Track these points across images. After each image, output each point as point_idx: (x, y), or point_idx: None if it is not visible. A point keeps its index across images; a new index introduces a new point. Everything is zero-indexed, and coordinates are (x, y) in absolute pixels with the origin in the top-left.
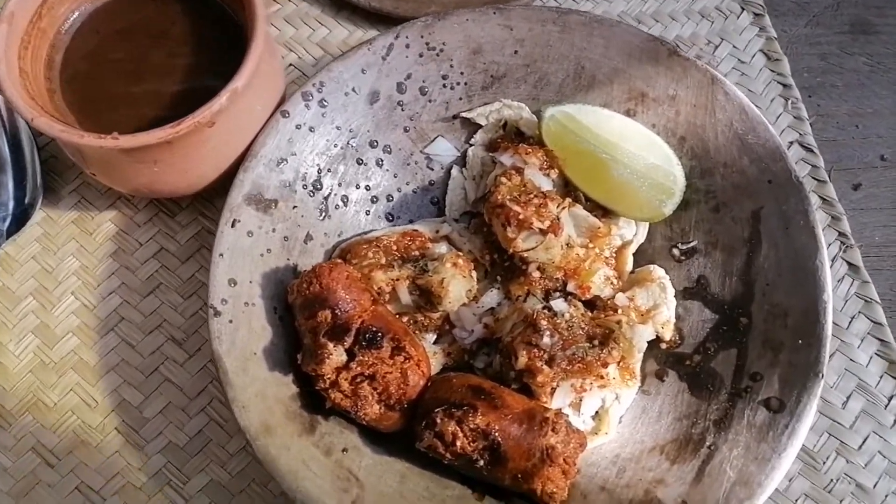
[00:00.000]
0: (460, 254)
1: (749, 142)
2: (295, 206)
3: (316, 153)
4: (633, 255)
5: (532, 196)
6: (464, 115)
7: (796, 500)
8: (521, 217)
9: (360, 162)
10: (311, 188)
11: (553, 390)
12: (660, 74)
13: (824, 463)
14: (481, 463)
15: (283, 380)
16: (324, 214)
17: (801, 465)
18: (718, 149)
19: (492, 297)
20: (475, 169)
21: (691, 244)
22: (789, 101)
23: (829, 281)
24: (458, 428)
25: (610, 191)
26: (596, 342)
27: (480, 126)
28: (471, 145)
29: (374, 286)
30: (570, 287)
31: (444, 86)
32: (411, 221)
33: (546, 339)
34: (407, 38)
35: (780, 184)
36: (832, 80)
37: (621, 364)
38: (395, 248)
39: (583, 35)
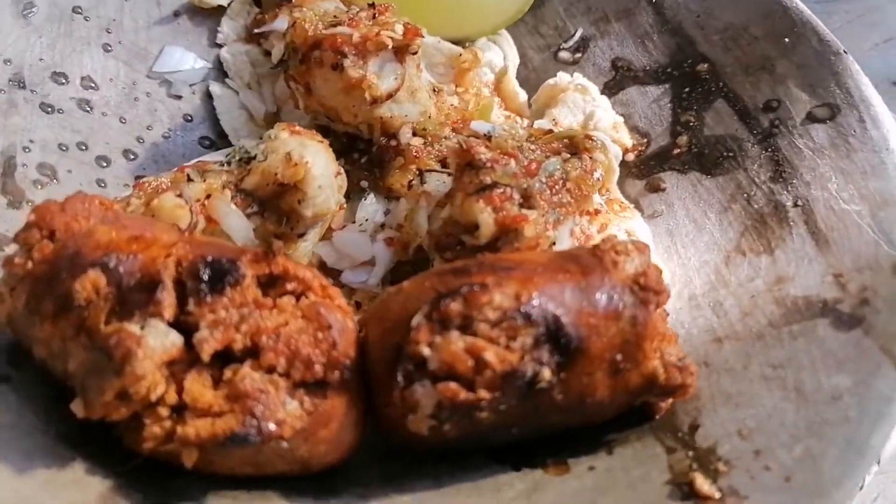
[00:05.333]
0: (294, 124)
1: None
2: None
3: None
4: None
5: (356, 11)
6: None
7: None
8: (356, 39)
9: (47, 109)
10: None
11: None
12: None
13: None
14: (547, 375)
15: None
16: (13, 200)
17: None
18: None
19: (371, 208)
20: (244, 74)
21: (576, 35)
22: None
23: None
24: (470, 339)
25: (449, 4)
26: (566, 154)
27: (222, 11)
28: (220, 46)
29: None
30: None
31: None
32: None
33: (506, 168)
34: None
35: None
36: None
37: (604, 189)
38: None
39: None
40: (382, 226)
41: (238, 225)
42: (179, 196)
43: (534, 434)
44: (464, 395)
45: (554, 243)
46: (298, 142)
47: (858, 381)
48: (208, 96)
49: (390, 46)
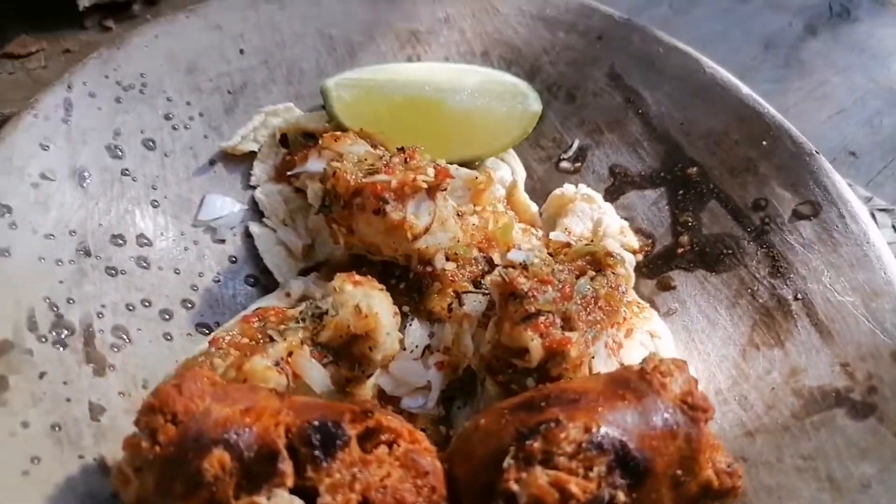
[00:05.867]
0: (353, 273)
1: (551, 16)
2: (44, 374)
3: (30, 284)
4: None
5: (389, 157)
6: (223, 146)
7: None
8: (394, 186)
9: (111, 272)
10: (55, 337)
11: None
12: (419, 4)
13: None
14: (622, 497)
15: None
16: (98, 367)
17: None
18: (528, 42)
19: (417, 333)
20: (279, 211)
21: (574, 146)
22: None
23: (735, 82)
24: (552, 473)
25: (460, 131)
26: (592, 272)
27: (253, 156)
28: (254, 187)
29: (259, 384)
30: (496, 258)
31: (175, 128)
32: None
33: (546, 295)
34: (85, 84)
35: (611, 34)
36: None
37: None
38: (249, 340)
39: (309, 3)
40: (428, 347)
41: (318, 377)
42: (265, 358)
43: None
44: None
45: (593, 357)
46: (363, 293)
47: (882, 468)
48: (248, 236)
49: (425, 188)
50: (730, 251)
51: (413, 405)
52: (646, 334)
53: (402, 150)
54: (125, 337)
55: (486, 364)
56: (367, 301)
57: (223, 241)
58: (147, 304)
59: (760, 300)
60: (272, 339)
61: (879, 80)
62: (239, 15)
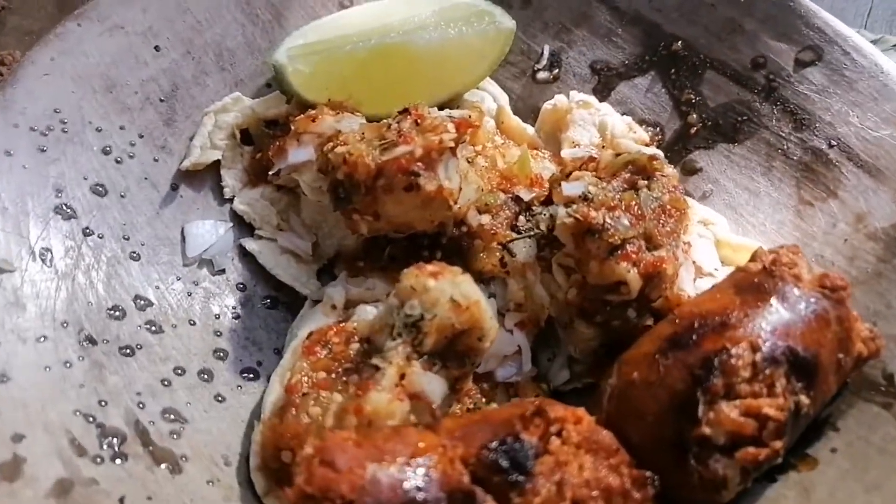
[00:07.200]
0: (421, 265)
1: None
2: (123, 498)
3: (50, 403)
4: None
5: (397, 124)
6: (184, 166)
7: None
8: (419, 154)
9: (126, 351)
10: (111, 451)
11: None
12: None
13: None
14: (805, 400)
15: None
16: (171, 465)
17: None
18: None
19: None
20: (269, 218)
21: (545, 53)
22: None
23: None
24: (743, 403)
25: (435, 71)
26: (643, 182)
27: (216, 165)
28: (230, 201)
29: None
30: (524, 195)
31: (118, 161)
32: (277, 352)
33: (622, 222)
34: None
35: None
36: None
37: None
38: (326, 373)
39: None
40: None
41: (438, 388)
42: (382, 390)
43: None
44: (763, 453)
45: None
46: (451, 283)
47: None
48: (245, 254)
49: (451, 147)
50: (745, 117)
51: (508, 374)
52: (699, 225)
53: (405, 111)
54: (178, 418)
55: (577, 309)
56: (459, 291)
57: (223, 271)
58: (180, 371)
59: (795, 157)
60: (377, 368)
61: None
62: (138, 6)
